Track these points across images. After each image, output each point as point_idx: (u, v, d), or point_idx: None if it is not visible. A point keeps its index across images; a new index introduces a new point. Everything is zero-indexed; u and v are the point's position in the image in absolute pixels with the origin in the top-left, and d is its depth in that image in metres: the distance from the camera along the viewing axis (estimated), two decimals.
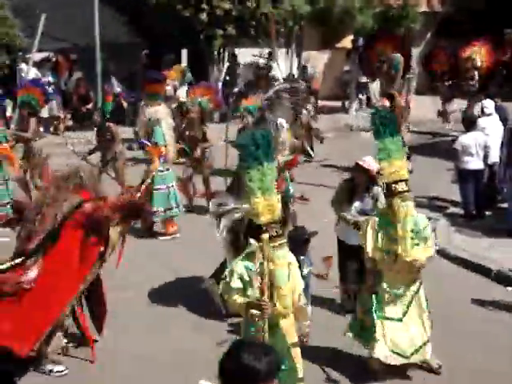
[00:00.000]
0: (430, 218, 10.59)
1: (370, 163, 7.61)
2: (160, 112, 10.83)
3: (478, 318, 7.83)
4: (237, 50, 21.26)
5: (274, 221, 5.14)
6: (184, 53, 21.35)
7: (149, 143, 10.53)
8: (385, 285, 6.36)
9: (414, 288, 6.40)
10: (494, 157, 10.92)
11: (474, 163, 10.87)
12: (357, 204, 7.63)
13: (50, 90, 18.20)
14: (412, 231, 6.22)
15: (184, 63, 21.33)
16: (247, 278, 5.17)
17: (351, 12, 21.83)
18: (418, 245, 6.27)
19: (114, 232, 6.15)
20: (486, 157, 10.86)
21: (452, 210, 11.66)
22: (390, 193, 6.20)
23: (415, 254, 6.23)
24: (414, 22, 23.16)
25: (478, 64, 16.57)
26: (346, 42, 23.18)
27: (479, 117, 11.64)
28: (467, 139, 10.93)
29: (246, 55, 21.15)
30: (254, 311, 5.11)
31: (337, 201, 7.78)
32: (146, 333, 7.43)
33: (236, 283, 5.20)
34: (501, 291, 8.64)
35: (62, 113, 18.46)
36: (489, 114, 11.55)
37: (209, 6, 18.90)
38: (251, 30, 20.07)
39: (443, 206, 11.99)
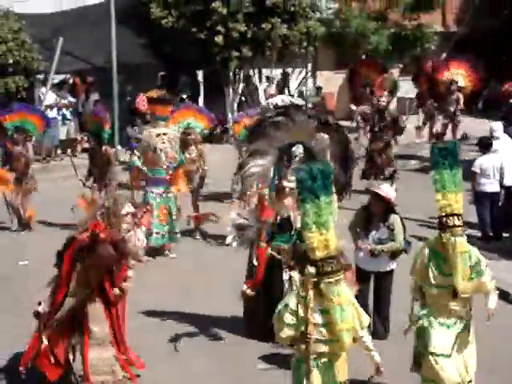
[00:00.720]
0: None
1: (387, 191, 7.54)
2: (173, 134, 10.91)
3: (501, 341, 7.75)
4: (252, 72, 21.42)
5: (330, 256, 5.01)
6: (200, 74, 21.54)
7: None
8: (433, 319, 6.20)
9: (463, 322, 6.22)
10: (509, 178, 10.90)
11: (491, 185, 10.85)
12: (373, 233, 7.59)
13: (68, 112, 18.53)
14: (470, 267, 6.03)
15: (200, 85, 21.54)
16: (302, 314, 5.10)
17: (365, 33, 21.93)
18: (472, 279, 6.08)
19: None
20: (501, 178, 10.83)
21: (469, 231, 11.56)
22: (442, 226, 5.97)
23: (465, 288, 6.03)
24: (429, 42, 23.22)
25: (462, 84, 16.69)
26: None
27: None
28: (485, 161, 10.91)
29: (262, 76, 21.32)
30: (300, 345, 5.14)
31: (354, 227, 7.74)
32: (166, 361, 7.37)
33: (288, 318, 5.17)
34: None
35: (79, 135, 18.59)
36: (498, 137, 11.51)
37: (224, 29, 19.06)
38: (266, 52, 20.23)
39: None
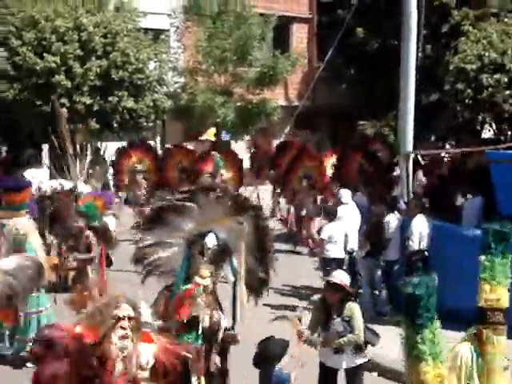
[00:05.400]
0: (295, 307, 10.67)
1: (341, 278, 6.84)
2: (26, 225, 9.43)
3: None
4: (100, 144, 21.17)
5: None
6: (45, 148, 20.99)
7: None
8: None
9: None
10: (353, 244, 11.33)
11: (337, 251, 11.19)
12: (333, 326, 6.79)
13: None
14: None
15: (45, 158, 20.95)
16: None
17: (212, 107, 22.45)
18: None
19: None
20: (345, 244, 11.22)
21: (316, 297, 11.84)
22: (483, 320, 5.15)
23: None
24: (273, 115, 24.14)
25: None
26: (210, 135, 23.62)
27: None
28: (332, 229, 11.26)
29: (111, 148, 21.10)
30: None
31: (314, 323, 6.94)
32: None
33: None
34: (367, 377, 8.76)
35: None
36: (345, 203, 12.00)
37: (69, 102, 18.79)
38: (114, 124, 20.11)
39: (309, 293, 12.19)
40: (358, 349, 6.83)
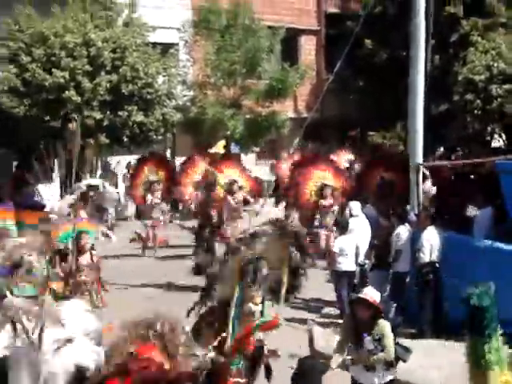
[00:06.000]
0: (305, 320, 10.62)
1: (373, 296, 6.73)
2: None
3: None
4: (110, 158, 21.28)
5: None
6: (56, 163, 21.09)
7: None
8: None
9: None
10: (364, 256, 11.28)
11: (348, 264, 11.15)
12: (364, 344, 6.73)
13: None
14: None
15: (56, 173, 21.03)
16: None
17: (222, 119, 22.51)
18: None
19: None
20: (356, 257, 11.18)
21: (327, 309, 11.82)
22: None
23: None
24: (282, 127, 24.16)
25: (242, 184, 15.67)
26: (220, 148, 23.69)
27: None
28: (343, 242, 11.23)
29: (122, 162, 21.22)
30: None
31: (343, 340, 6.94)
32: None
33: None
34: None
35: None
36: (356, 215, 11.96)
37: (79, 117, 18.91)
38: (124, 138, 20.21)
39: (319, 306, 12.14)
40: (389, 365, 6.80)
